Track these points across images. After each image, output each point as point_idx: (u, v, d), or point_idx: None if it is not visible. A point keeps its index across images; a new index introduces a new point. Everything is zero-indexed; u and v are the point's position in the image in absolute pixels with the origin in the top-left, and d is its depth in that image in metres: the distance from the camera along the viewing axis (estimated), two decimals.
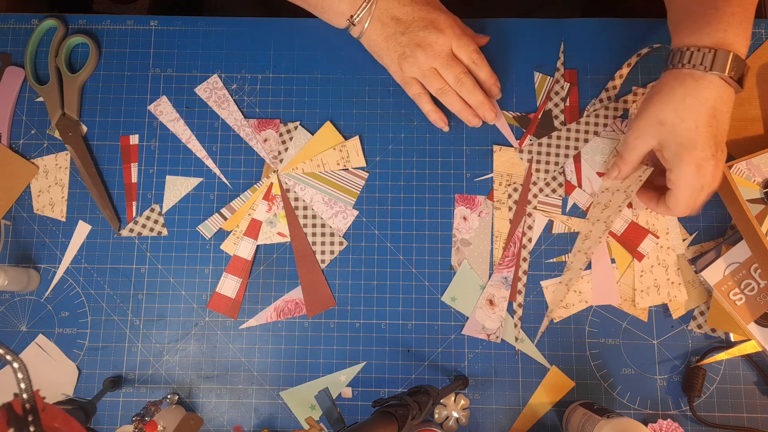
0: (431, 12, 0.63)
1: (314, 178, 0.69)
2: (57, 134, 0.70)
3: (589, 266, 0.67)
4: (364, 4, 0.62)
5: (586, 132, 0.68)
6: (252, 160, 0.70)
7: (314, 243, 0.68)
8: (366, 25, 0.63)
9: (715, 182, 0.57)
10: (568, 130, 0.69)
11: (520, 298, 0.66)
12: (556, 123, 0.69)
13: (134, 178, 0.70)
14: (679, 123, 0.55)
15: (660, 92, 0.57)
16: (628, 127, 0.63)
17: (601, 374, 0.65)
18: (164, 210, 0.69)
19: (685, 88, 0.55)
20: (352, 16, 0.63)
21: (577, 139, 0.68)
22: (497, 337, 0.66)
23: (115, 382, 0.65)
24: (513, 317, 0.66)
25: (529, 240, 0.67)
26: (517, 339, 0.66)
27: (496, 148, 0.69)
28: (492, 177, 0.68)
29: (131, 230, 0.68)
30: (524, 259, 0.67)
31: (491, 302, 0.66)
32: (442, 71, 0.63)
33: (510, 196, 0.68)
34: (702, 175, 0.56)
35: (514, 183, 0.68)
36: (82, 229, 0.69)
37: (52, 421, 0.36)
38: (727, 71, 0.54)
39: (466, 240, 0.68)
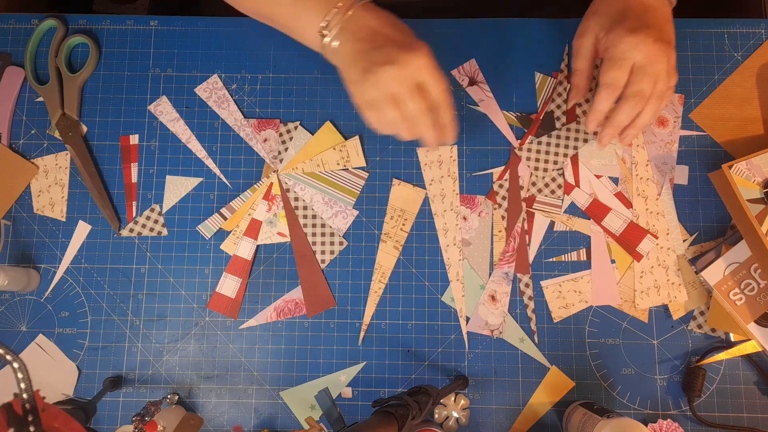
0: (410, 36, 0.55)
1: (314, 178, 0.69)
2: (57, 134, 0.70)
3: (588, 266, 0.67)
4: (335, 10, 0.54)
5: (586, 132, 0.68)
6: (252, 160, 0.70)
7: (314, 243, 0.68)
8: (335, 32, 0.55)
9: (659, 60, 0.57)
10: (568, 129, 0.69)
11: (529, 291, 0.66)
12: (558, 124, 0.69)
13: (134, 178, 0.70)
14: (610, 2, 0.60)
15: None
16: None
17: (601, 374, 0.65)
18: (164, 210, 0.69)
19: None
20: (323, 27, 0.55)
21: (576, 139, 0.68)
22: (500, 333, 0.66)
23: (115, 382, 0.65)
24: (526, 311, 0.66)
25: (529, 241, 0.67)
26: (534, 332, 0.66)
27: (395, 182, 0.68)
28: (492, 175, 0.68)
29: (131, 230, 0.68)
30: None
31: (493, 298, 0.66)
32: (406, 98, 0.53)
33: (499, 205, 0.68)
34: (644, 39, 0.56)
35: (405, 220, 0.67)
36: (82, 229, 0.69)
37: (52, 421, 0.36)
38: None
39: (466, 240, 0.68)
